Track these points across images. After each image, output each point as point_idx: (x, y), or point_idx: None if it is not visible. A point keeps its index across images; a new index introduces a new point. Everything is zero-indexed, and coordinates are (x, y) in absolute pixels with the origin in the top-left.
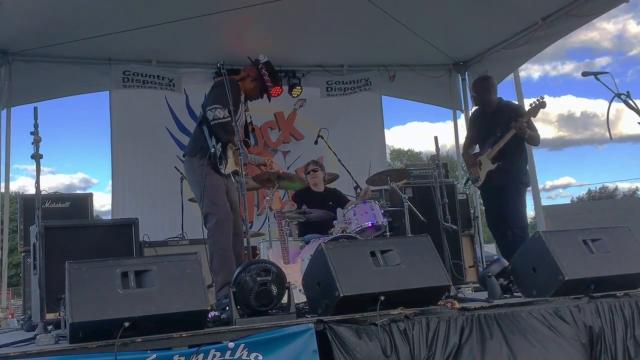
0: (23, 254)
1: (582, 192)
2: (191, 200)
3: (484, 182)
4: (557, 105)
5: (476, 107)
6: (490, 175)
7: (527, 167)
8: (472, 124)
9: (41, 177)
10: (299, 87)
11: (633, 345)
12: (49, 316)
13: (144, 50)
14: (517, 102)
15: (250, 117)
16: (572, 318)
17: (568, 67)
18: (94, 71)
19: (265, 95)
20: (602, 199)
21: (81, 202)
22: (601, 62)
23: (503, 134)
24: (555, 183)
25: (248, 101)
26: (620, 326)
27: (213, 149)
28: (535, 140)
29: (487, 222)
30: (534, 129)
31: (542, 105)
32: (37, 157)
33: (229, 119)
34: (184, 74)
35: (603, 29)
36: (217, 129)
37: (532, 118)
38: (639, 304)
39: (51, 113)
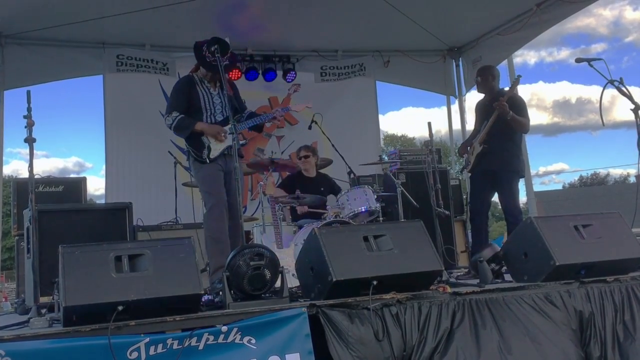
0: (17, 237)
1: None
2: (185, 184)
3: (473, 165)
4: (553, 92)
5: (480, 98)
6: (479, 158)
7: (521, 157)
8: (476, 114)
9: (35, 161)
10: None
11: (622, 330)
12: (43, 299)
13: (138, 34)
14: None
15: (244, 102)
16: (562, 303)
17: (564, 53)
18: (87, 55)
19: (228, 72)
20: (593, 185)
21: (75, 186)
22: (597, 48)
23: (490, 117)
24: (549, 169)
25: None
26: (610, 311)
27: (186, 148)
28: (520, 125)
29: (469, 205)
30: (524, 116)
31: (517, 82)
32: (30, 140)
33: (179, 116)
34: (177, 58)
35: (599, 15)
36: (176, 133)
37: (524, 109)
38: (628, 289)
39: (44, 96)
